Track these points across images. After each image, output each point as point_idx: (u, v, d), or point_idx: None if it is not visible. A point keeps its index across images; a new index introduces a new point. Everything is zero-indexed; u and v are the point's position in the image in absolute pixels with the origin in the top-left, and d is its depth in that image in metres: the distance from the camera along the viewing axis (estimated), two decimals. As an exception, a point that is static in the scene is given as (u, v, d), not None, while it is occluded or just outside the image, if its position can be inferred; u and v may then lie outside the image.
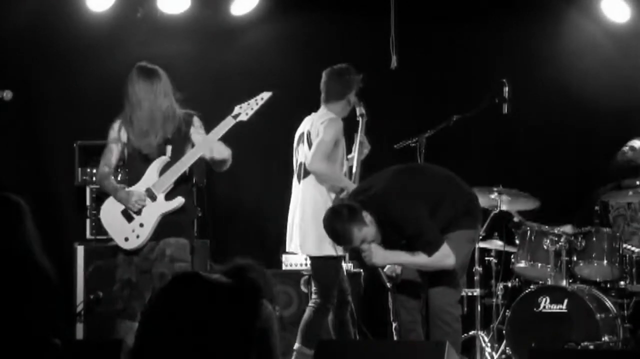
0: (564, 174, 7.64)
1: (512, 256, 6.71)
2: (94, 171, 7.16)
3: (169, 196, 5.55)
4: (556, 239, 6.49)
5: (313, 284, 5.99)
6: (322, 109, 6.06)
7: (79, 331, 6.82)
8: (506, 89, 6.55)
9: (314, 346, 5.75)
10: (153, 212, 5.52)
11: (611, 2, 7.61)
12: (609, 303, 6.31)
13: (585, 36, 7.86)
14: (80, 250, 7.01)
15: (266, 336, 2.44)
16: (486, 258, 6.93)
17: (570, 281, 6.48)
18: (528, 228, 6.62)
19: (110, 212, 5.61)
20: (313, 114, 6.08)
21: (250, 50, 8.05)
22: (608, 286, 6.52)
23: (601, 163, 7.06)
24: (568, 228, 6.67)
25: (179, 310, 2.20)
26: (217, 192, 7.53)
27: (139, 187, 5.55)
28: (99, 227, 7.08)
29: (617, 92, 7.63)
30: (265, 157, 7.58)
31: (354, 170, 6.10)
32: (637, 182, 6.73)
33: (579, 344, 5.99)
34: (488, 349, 6.64)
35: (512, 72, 6.93)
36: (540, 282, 6.56)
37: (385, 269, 5.46)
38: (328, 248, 5.75)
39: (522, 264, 6.63)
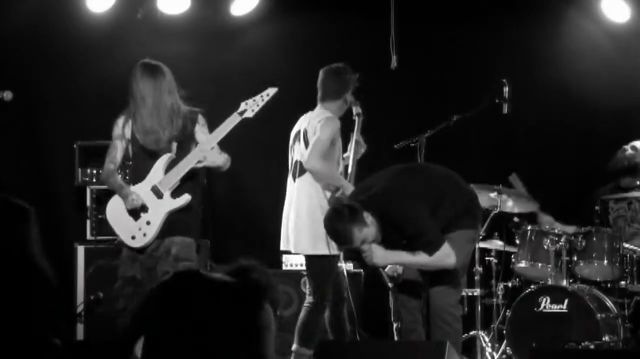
0: (564, 174, 7.63)
1: (512, 256, 6.71)
2: (94, 171, 7.16)
3: (175, 194, 5.54)
4: (556, 239, 6.48)
5: (308, 282, 5.99)
6: (319, 108, 6.06)
7: (79, 331, 6.82)
8: (506, 89, 6.54)
9: (311, 346, 5.77)
10: (160, 210, 5.51)
11: (611, 2, 7.61)
12: (609, 303, 6.30)
13: (585, 36, 7.86)
14: (80, 250, 7.01)
15: (262, 336, 2.44)
16: (486, 258, 6.93)
17: (571, 281, 6.47)
18: (528, 228, 6.62)
19: (116, 210, 5.60)
20: (310, 112, 6.08)
21: (250, 50, 8.05)
22: (608, 286, 6.52)
23: (601, 163, 7.05)
24: (572, 229, 6.67)
25: (179, 308, 2.20)
26: (217, 192, 7.54)
27: (145, 185, 5.54)
28: (99, 228, 7.10)
29: (617, 92, 7.63)
30: (265, 157, 7.58)
31: (349, 169, 6.11)
32: (638, 182, 6.73)
33: (579, 344, 5.99)
34: (488, 349, 6.64)
35: (512, 72, 6.93)
36: (541, 282, 6.56)
37: (386, 269, 5.45)
38: (322, 247, 5.75)
39: (522, 264, 6.62)
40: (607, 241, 6.43)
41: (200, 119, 5.62)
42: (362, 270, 7.03)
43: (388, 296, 5.55)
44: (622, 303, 6.43)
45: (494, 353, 6.62)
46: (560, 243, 6.47)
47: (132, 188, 5.58)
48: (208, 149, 5.49)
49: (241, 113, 5.59)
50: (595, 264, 6.46)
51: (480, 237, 6.62)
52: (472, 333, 6.67)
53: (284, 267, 7.09)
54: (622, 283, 6.44)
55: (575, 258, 6.49)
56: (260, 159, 7.63)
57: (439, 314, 5.26)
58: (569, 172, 7.64)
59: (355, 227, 5.05)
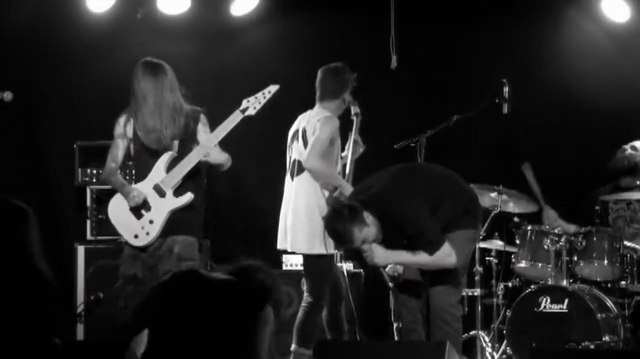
0: (564, 174, 7.63)
1: (512, 256, 6.71)
2: (94, 171, 7.16)
3: (178, 192, 5.53)
4: (557, 239, 6.48)
5: (305, 282, 5.98)
6: (317, 107, 6.06)
7: (79, 331, 6.82)
8: (506, 89, 6.54)
9: (310, 346, 5.77)
10: (162, 209, 5.50)
11: (611, 2, 7.61)
12: (609, 303, 6.30)
13: (585, 36, 7.86)
14: (80, 250, 7.01)
15: (260, 336, 2.43)
16: (487, 258, 6.93)
17: (571, 280, 6.47)
18: (529, 228, 6.62)
19: (118, 209, 5.59)
20: (309, 111, 6.08)
21: (250, 50, 8.05)
22: (609, 285, 6.51)
23: (601, 163, 7.05)
24: (573, 228, 6.67)
25: (179, 308, 2.20)
26: (217, 192, 7.53)
27: (147, 183, 5.54)
28: (99, 228, 7.10)
29: (617, 92, 7.63)
30: (265, 157, 7.58)
31: (347, 169, 6.11)
32: (638, 182, 6.72)
33: (579, 344, 5.99)
34: (489, 349, 6.64)
35: (512, 72, 6.93)
36: (541, 282, 6.56)
37: (387, 269, 5.45)
38: (319, 246, 5.75)
39: (522, 264, 6.62)
40: (608, 241, 6.43)
41: (203, 118, 5.62)
42: (362, 270, 7.03)
43: (388, 296, 5.55)
44: (623, 303, 6.42)
45: (494, 353, 6.62)
46: (561, 243, 6.46)
47: (134, 186, 5.57)
48: (211, 146, 5.49)
49: (243, 111, 5.59)
50: (596, 264, 6.46)
51: (481, 237, 6.63)
52: (472, 333, 6.67)
53: (284, 267, 7.08)
54: (623, 282, 6.44)
55: (576, 258, 6.48)
56: (261, 159, 7.62)
57: (439, 314, 5.26)
58: (569, 172, 7.63)
59: (355, 227, 5.05)
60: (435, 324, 5.29)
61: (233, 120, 5.55)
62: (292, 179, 6.03)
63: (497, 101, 6.54)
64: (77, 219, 7.32)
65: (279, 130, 6.36)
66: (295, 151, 6.03)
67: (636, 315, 6.45)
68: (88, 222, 7.16)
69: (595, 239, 6.47)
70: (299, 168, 5.97)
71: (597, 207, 6.86)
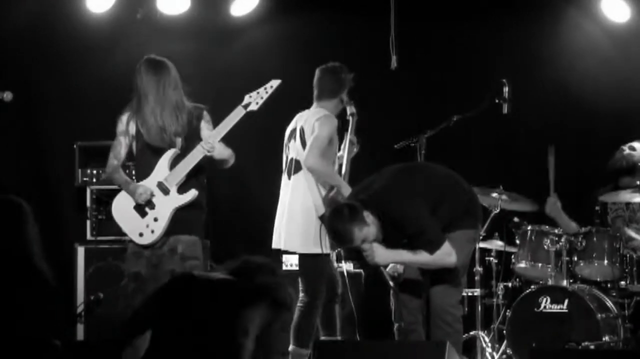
0: (564, 174, 7.62)
1: (512, 256, 6.71)
2: (94, 171, 7.16)
3: (182, 189, 5.52)
4: (556, 239, 6.48)
5: (300, 281, 5.97)
6: (315, 107, 6.06)
7: (79, 331, 6.82)
8: (506, 89, 6.54)
9: (308, 346, 5.76)
10: (167, 206, 5.49)
11: (611, 2, 7.61)
12: (609, 303, 6.30)
13: (584, 36, 7.86)
14: (80, 251, 7.01)
15: (266, 335, 2.43)
16: (486, 258, 6.93)
17: (571, 281, 6.47)
18: (529, 228, 6.62)
19: (122, 207, 5.57)
20: (306, 110, 6.08)
21: (250, 50, 8.05)
22: (609, 286, 6.51)
23: (601, 163, 7.05)
24: (573, 225, 6.67)
25: (180, 308, 2.20)
26: (217, 192, 7.52)
27: (151, 181, 5.53)
28: (99, 228, 7.09)
29: (616, 93, 7.63)
30: (265, 157, 7.57)
31: (343, 169, 6.10)
32: (638, 182, 6.72)
33: (579, 345, 5.99)
34: (489, 350, 6.63)
35: (512, 72, 6.93)
36: (541, 282, 6.56)
37: (387, 269, 5.45)
38: (315, 245, 5.75)
39: (522, 264, 6.62)
40: (608, 241, 6.43)
41: (206, 115, 5.61)
42: (362, 270, 7.03)
43: (388, 296, 5.55)
44: (622, 303, 6.42)
45: (494, 353, 6.62)
46: (561, 243, 6.47)
47: (139, 183, 5.55)
48: (215, 141, 5.47)
49: (245, 106, 5.58)
50: (596, 264, 6.46)
51: (481, 237, 6.62)
52: (472, 333, 6.66)
53: (284, 267, 7.08)
54: (622, 283, 6.44)
55: (576, 258, 6.49)
56: (261, 159, 7.62)
57: (439, 314, 5.26)
58: (569, 172, 7.63)
59: (355, 226, 5.05)
60: (435, 325, 5.28)
61: (236, 116, 5.54)
62: (289, 178, 6.02)
63: (497, 101, 6.54)
64: (77, 219, 7.31)
65: (279, 131, 6.36)
66: (292, 150, 6.03)
67: (636, 315, 6.45)
68: (88, 222, 7.16)
69: (595, 239, 6.47)
70: (296, 167, 5.96)
71: (597, 208, 6.86)
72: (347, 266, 6.53)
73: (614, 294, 6.45)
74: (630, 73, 7.68)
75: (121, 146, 5.62)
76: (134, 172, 5.97)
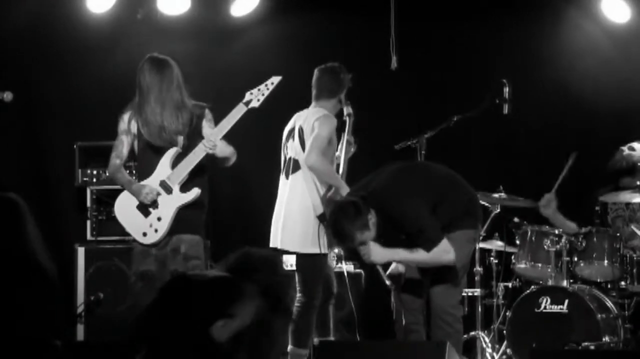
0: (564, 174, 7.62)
1: (512, 257, 6.70)
2: (95, 172, 7.16)
3: (184, 188, 5.52)
4: (557, 239, 6.48)
5: (297, 281, 5.95)
6: (314, 106, 6.05)
7: (80, 332, 6.82)
8: (506, 89, 6.54)
9: (306, 346, 5.76)
10: (170, 205, 5.48)
11: (611, 2, 7.61)
12: (609, 303, 6.30)
13: (585, 36, 7.86)
14: (80, 251, 7.00)
15: (266, 333, 2.42)
16: (487, 259, 6.92)
17: (571, 281, 6.47)
18: (529, 228, 6.62)
19: (125, 206, 5.55)
20: (305, 110, 6.07)
21: (250, 51, 8.05)
22: (609, 286, 6.51)
23: (601, 163, 7.05)
24: (572, 225, 6.66)
25: (179, 308, 2.19)
26: (217, 192, 7.52)
27: (153, 180, 5.52)
28: (99, 229, 7.09)
29: (616, 93, 7.63)
30: (266, 157, 7.57)
31: (340, 169, 6.10)
32: (638, 183, 6.72)
33: (579, 345, 5.98)
34: (489, 350, 6.63)
35: (512, 72, 6.93)
36: (541, 282, 6.56)
37: (389, 270, 5.45)
38: (313, 245, 5.74)
39: (522, 265, 6.62)
40: (608, 241, 6.43)
41: (208, 113, 5.61)
42: (362, 271, 7.03)
43: (388, 296, 5.55)
44: (623, 303, 6.42)
45: (494, 354, 6.62)
46: (561, 244, 6.46)
47: (143, 183, 5.55)
48: (217, 139, 5.47)
49: (247, 103, 5.58)
50: (596, 264, 6.46)
51: (481, 237, 6.62)
52: (472, 333, 6.66)
53: (284, 268, 7.07)
54: (623, 283, 6.44)
55: (576, 259, 6.48)
56: (261, 159, 7.62)
57: (439, 314, 5.26)
58: (569, 172, 7.63)
59: (358, 230, 5.04)
60: (435, 325, 5.28)
61: (237, 113, 5.54)
62: (287, 177, 6.01)
63: (497, 101, 6.54)
64: (77, 219, 7.31)
65: (279, 131, 6.36)
66: (291, 150, 6.02)
67: (636, 315, 6.45)
68: (88, 223, 7.16)
69: (595, 239, 6.47)
70: (294, 166, 5.95)
71: (597, 208, 6.86)
72: (347, 266, 6.52)
73: (614, 294, 6.45)
74: (631, 73, 7.68)
75: (123, 145, 5.60)
76: (134, 172, 5.96)
